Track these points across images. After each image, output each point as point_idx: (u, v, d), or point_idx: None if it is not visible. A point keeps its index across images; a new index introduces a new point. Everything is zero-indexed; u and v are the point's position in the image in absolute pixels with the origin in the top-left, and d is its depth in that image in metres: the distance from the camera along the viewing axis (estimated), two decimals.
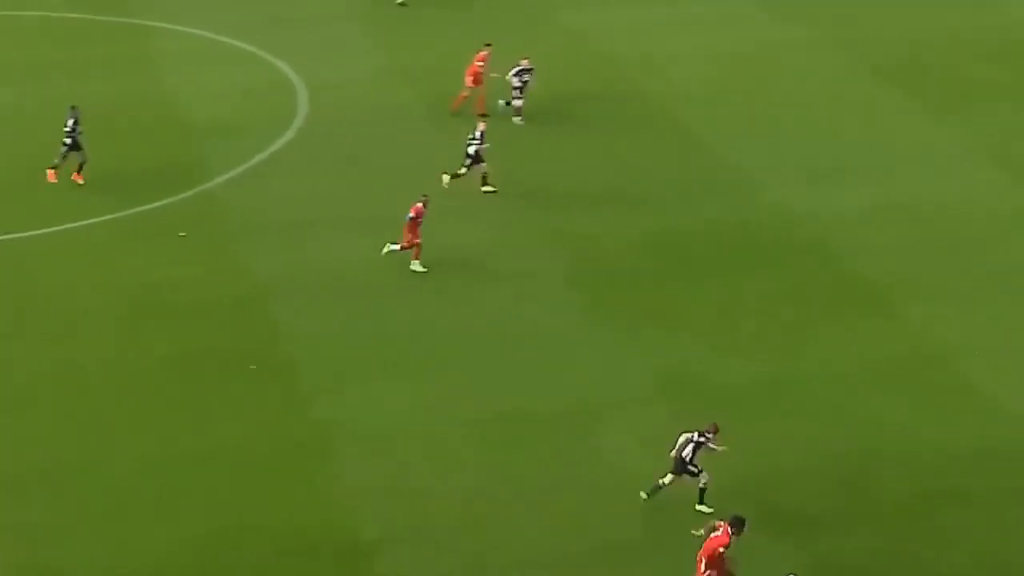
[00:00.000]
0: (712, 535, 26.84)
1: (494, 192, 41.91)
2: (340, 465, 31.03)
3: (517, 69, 46.11)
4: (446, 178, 41.91)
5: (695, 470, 29.60)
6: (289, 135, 46.03)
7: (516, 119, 46.35)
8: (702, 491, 29.65)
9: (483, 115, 45.40)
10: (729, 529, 26.75)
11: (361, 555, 28.58)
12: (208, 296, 37.18)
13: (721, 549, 26.59)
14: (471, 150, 41.69)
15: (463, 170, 41.85)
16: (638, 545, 28.78)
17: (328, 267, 38.55)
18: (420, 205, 38.02)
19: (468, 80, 46.57)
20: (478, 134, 41.73)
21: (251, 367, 34.14)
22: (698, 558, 26.86)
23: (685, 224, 40.60)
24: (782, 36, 54.08)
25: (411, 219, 37.80)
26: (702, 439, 29.61)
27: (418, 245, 37.96)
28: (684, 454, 29.56)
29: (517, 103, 46.33)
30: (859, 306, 36.80)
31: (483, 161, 41.79)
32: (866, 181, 43.15)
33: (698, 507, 29.55)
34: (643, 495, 29.90)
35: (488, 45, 46.90)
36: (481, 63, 46.45)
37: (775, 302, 37.01)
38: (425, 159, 44.35)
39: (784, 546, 28.59)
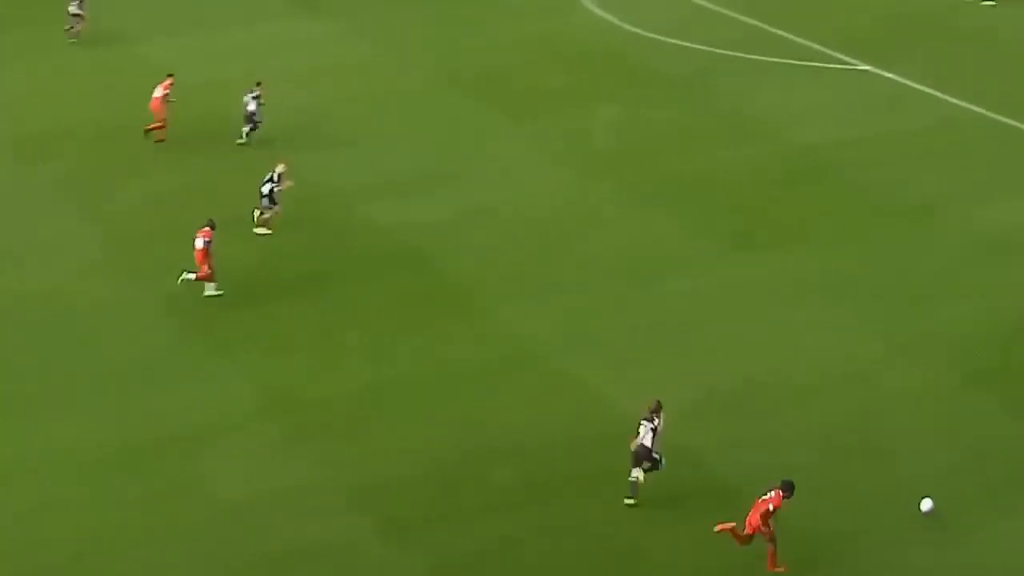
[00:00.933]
0: (762, 499, 27.87)
1: (269, 234, 41.03)
2: None
3: (253, 94, 46.45)
4: (261, 230, 41.08)
5: (657, 457, 29.89)
6: None
7: (241, 140, 46.55)
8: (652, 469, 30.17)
9: (159, 139, 46.48)
10: (781, 492, 27.76)
11: None
12: None
13: (771, 508, 27.71)
14: (265, 190, 40.89)
15: (265, 212, 41.01)
16: (254, 568, 28.75)
17: None
18: (208, 229, 37.55)
19: (156, 110, 46.65)
20: (276, 176, 40.94)
21: None
22: (747, 521, 27.90)
23: (282, 242, 40.76)
24: (359, 55, 54.93)
25: (206, 244, 37.36)
26: (655, 424, 29.83)
27: (210, 271, 37.61)
28: (644, 442, 29.85)
29: (248, 125, 46.61)
30: (454, 310, 37.77)
31: (277, 204, 40.93)
32: (450, 189, 44.30)
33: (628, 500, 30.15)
34: (629, 502, 30.03)
35: (170, 75, 46.99)
36: (165, 92, 46.53)
37: (373, 312, 37.62)
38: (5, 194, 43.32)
39: (406, 552, 29.14)
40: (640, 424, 30.18)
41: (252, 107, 46.49)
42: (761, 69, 53.57)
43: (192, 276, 37.72)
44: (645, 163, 46.20)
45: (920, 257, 40.24)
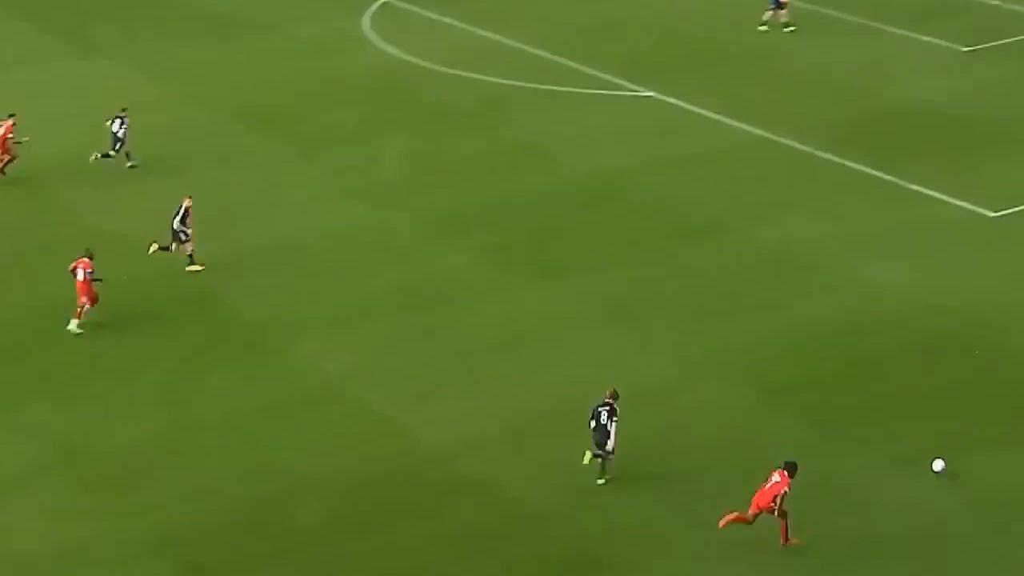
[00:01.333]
0: (768, 487, 28.93)
1: (200, 271, 40.82)
2: None
3: (118, 120, 46.58)
4: (153, 247, 40.71)
5: (612, 442, 31.33)
6: None
7: (94, 158, 46.72)
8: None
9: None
10: (786, 473, 28.88)
11: None
12: None
13: (784, 491, 28.84)
14: (176, 226, 40.43)
15: (174, 246, 40.64)
16: None
17: None
18: (87, 260, 37.29)
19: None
20: (182, 210, 40.50)
21: None
22: (754, 504, 28.98)
23: (62, 291, 39.70)
24: (141, 93, 53.84)
25: (89, 275, 37.13)
26: (609, 406, 31.27)
27: (92, 302, 37.42)
28: (603, 423, 31.18)
29: (112, 153, 46.71)
30: (250, 349, 37.31)
31: (189, 238, 40.61)
32: (241, 226, 43.70)
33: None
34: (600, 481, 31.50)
35: (12, 115, 46.49)
36: (8, 134, 46.33)
37: (167, 355, 36.98)
38: None
39: None
40: (598, 412, 31.29)
41: (120, 133, 46.66)
42: (550, 99, 54.17)
43: (75, 323, 37.61)
44: (439, 195, 46.28)
45: (711, 275, 40.98)
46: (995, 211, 44.56)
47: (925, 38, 60.14)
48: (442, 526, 30.67)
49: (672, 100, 53.71)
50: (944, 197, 45.53)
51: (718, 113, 52.32)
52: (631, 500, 31.41)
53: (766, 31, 60.70)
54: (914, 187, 46.25)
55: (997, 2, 65.37)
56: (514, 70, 56.81)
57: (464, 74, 56.54)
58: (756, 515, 29.29)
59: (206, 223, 43.59)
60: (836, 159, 48.50)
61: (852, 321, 38.41)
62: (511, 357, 36.99)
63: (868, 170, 47.56)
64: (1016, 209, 44.70)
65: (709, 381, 35.72)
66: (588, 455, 31.56)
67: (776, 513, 29.17)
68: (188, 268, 40.90)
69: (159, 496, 31.48)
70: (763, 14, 61.01)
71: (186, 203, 40.86)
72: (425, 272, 41.29)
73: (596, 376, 35.77)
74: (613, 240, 43.17)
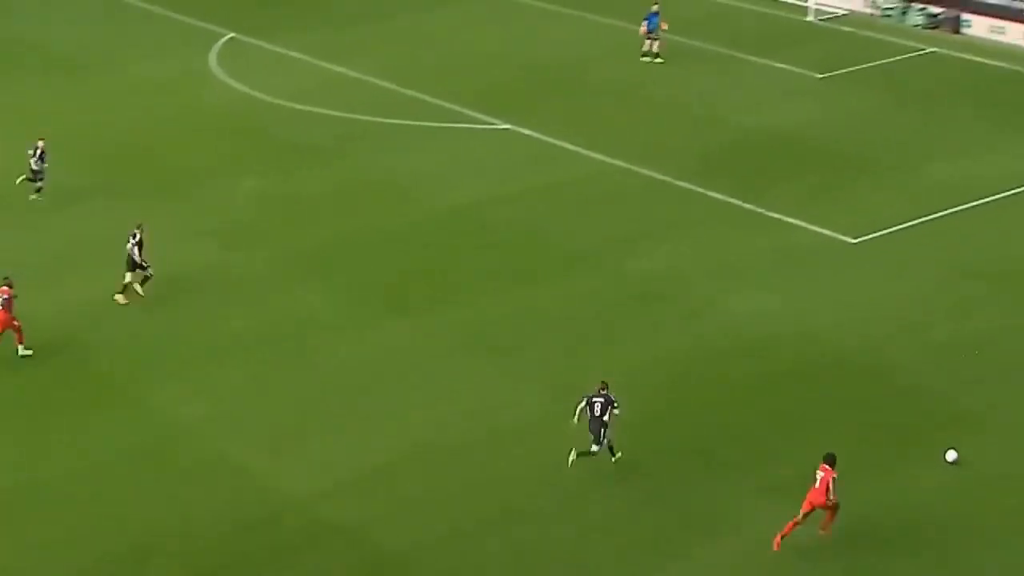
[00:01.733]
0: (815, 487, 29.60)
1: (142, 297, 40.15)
2: None
3: (39, 151, 46.10)
4: (120, 297, 39.86)
5: (605, 435, 31.71)
6: None
7: (34, 196, 46.64)
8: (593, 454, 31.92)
9: None
10: (829, 467, 29.59)
11: None
12: None
13: (831, 480, 29.47)
14: (135, 254, 39.77)
15: (134, 277, 39.98)
16: None
17: None
18: (6, 288, 36.53)
19: None
20: (139, 236, 39.85)
21: None
22: (807, 503, 29.55)
23: None
24: None
25: (5, 302, 36.46)
26: (604, 398, 31.64)
27: (17, 327, 36.67)
28: (598, 415, 31.53)
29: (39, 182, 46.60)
30: (102, 397, 35.83)
31: (148, 265, 40.08)
32: (90, 269, 41.89)
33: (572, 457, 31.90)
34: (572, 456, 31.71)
35: None
36: None
37: (16, 404, 35.49)
38: None
39: None
40: (592, 403, 31.73)
41: (35, 165, 46.27)
42: (403, 133, 53.31)
43: (28, 351, 37.07)
44: (293, 234, 45.07)
45: (576, 307, 40.32)
46: (855, 237, 44.58)
47: (780, 65, 60.44)
48: (303, 574, 29.48)
49: (529, 132, 53.15)
50: (805, 224, 45.45)
51: (576, 144, 51.84)
52: (502, 537, 30.59)
53: (661, 63, 60.23)
54: (775, 215, 46.12)
55: (850, 29, 66.10)
56: (365, 104, 55.87)
57: (314, 109, 55.48)
58: (808, 513, 29.65)
59: (54, 267, 42.15)
60: (697, 188, 48.22)
61: (718, 349, 38.03)
62: (371, 398, 35.94)
63: (729, 199, 47.34)
64: (876, 235, 44.80)
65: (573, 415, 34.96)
66: (573, 453, 31.65)
67: (828, 504, 29.68)
68: (137, 290, 40.18)
69: (5, 554, 29.90)
70: (652, 44, 60.54)
71: (141, 228, 40.31)
72: (281, 313, 40.06)
73: (463, 413, 35.07)
74: (473, 274, 42.36)
